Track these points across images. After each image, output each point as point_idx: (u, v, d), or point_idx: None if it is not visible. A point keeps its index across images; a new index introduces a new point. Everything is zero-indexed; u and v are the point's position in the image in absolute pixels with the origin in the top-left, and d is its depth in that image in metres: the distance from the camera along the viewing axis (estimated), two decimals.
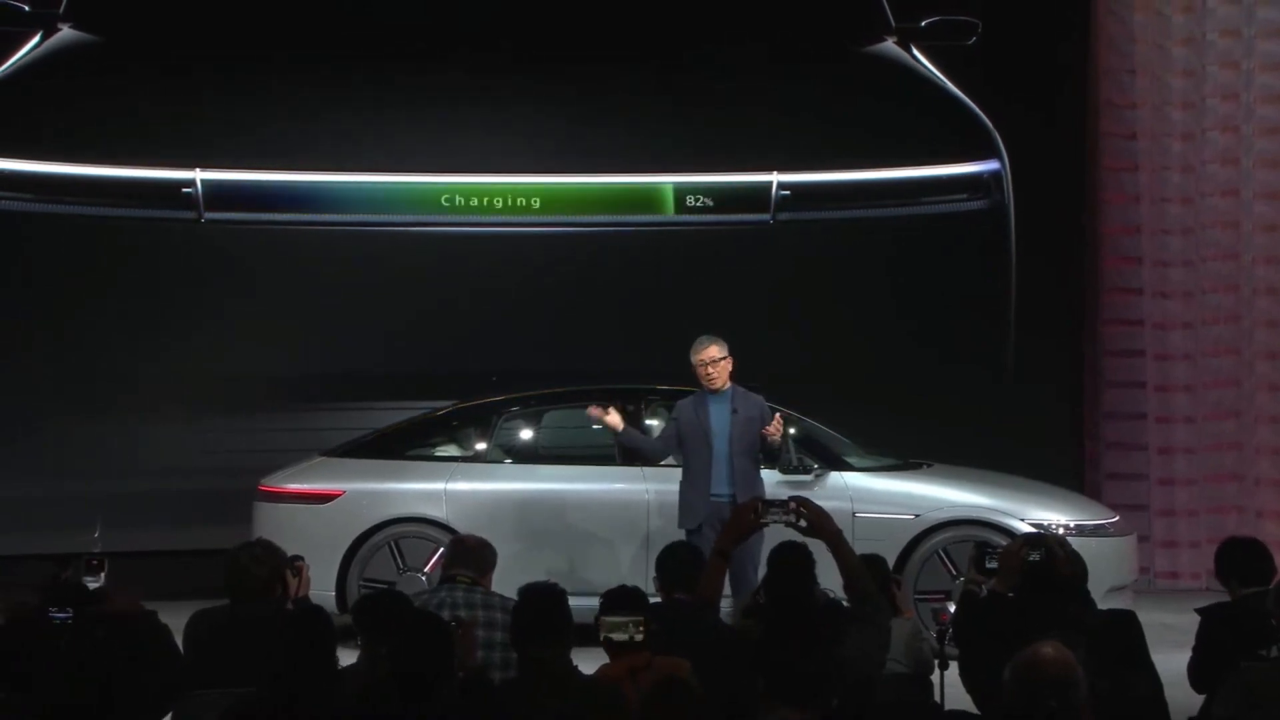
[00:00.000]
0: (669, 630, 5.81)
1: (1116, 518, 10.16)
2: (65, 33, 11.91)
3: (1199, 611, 6.54)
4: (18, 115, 11.86)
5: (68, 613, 5.31)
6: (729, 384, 9.00)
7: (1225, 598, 6.66)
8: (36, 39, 11.87)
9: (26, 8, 11.82)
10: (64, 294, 11.89)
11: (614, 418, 9.08)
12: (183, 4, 11.98)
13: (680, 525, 8.88)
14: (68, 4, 11.91)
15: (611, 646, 5.47)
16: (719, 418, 8.91)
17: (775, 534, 6.69)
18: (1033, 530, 9.09)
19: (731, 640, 6.03)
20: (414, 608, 5.99)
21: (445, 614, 5.90)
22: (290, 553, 6.34)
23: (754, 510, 6.60)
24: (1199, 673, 6.32)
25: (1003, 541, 8.74)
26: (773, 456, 9.26)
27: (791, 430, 9.81)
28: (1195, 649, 6.41)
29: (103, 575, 6.06)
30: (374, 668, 5.32)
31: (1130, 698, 5.70)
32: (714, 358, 8.94)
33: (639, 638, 5.43)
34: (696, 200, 12.46)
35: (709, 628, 6.37)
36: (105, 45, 11.95)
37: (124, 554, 6.38)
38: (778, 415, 9.00)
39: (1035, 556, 6.17)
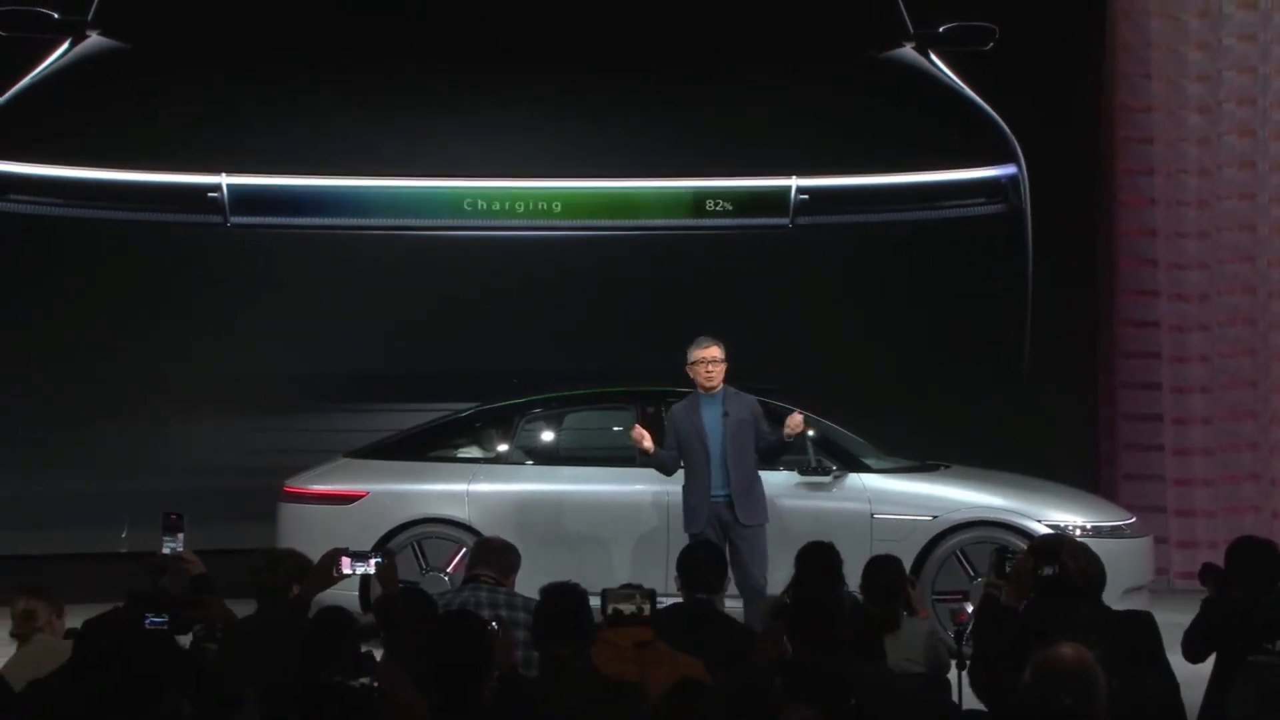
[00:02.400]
0: (689, 630, 5.89)
1: (1133, 519, 10.16)
2: (93, 39, 11.97)
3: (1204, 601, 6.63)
4: (47, 121, 11.92)
5: (164, 618, 5.36)
6: (721, 385, 9.02)
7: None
8: (65, 45, 11.94)
9: (55, 15, 11.89)
10: (88, 296, 11.89)
11: (648, 442, 8.98)
12: (209, 11, 12.03)
13: (685, 529, 8.87)
14: (96, 11, 11.98)
15: (619, 619, 5.50)
16: (711, 420, 8.91)
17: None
18: (1049, 533, 9.14)
19: (750, 640, 6.09)
20: (438, 606, 6.08)
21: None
22: (315, 552, 6.42)
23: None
24: (1193, 646, 6.45)
25: (1020, 543, 8.81)
26: (771, 456, 9.22)
27: (810, 432, 9.80)
28: (1195, 621, 6.51)
29: (180, 536, 6.04)
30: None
31: (1145, 697, 5.74)
32: (716, 357, 8.95)
33: (646, 610, 5.48)
34: (716, 204, 12.52)
35: (728, 627, 6.44)
36: (133, 51, 12.00)
37: (149, 554, 6.49)
38: (798, 414, 9.02)
39: (1048, 571, 6.06)
